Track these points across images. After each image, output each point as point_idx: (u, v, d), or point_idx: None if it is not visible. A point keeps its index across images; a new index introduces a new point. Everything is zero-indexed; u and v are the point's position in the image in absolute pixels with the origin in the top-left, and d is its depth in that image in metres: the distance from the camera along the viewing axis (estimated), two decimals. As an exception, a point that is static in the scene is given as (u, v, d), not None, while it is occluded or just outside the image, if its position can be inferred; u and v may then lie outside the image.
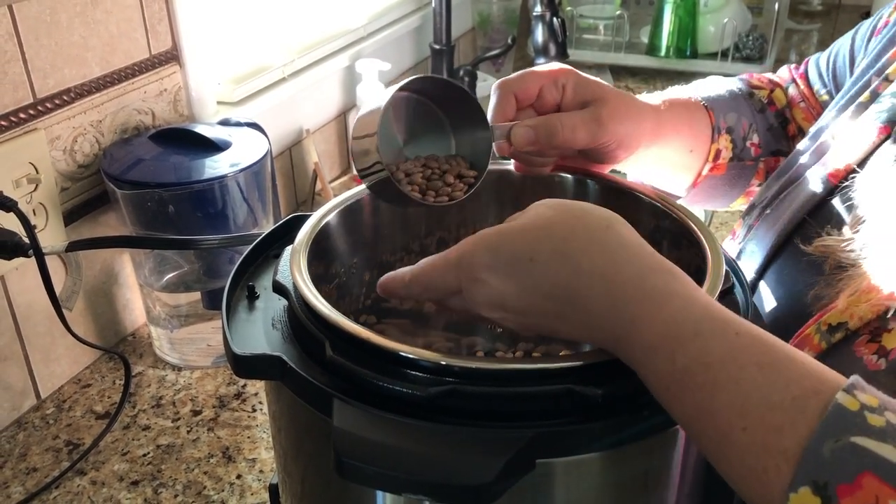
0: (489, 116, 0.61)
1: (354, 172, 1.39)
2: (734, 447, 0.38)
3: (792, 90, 0.81)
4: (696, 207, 0.85)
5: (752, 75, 0.83)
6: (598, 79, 0.65)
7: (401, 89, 0.57)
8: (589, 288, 0.43)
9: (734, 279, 0.53)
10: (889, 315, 0.49)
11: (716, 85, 0.80)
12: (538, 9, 1.50)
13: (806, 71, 0.82)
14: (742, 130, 0.77)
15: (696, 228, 0.55)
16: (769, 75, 0.84)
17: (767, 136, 0.79)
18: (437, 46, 1.51)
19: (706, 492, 0.49)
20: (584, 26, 1.94)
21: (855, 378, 0.37)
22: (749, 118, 0.78)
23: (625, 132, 0.62)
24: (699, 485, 0.49)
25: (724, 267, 0.51)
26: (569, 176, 0.64)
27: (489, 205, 0.65)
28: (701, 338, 0.40)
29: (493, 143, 0.60)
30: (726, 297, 0.52)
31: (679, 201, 0.78)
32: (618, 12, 1.89)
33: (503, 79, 0.63)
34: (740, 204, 0.82)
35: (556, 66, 0.63)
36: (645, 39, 1.90)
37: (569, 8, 1.93)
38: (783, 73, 0.83)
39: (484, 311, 0.47)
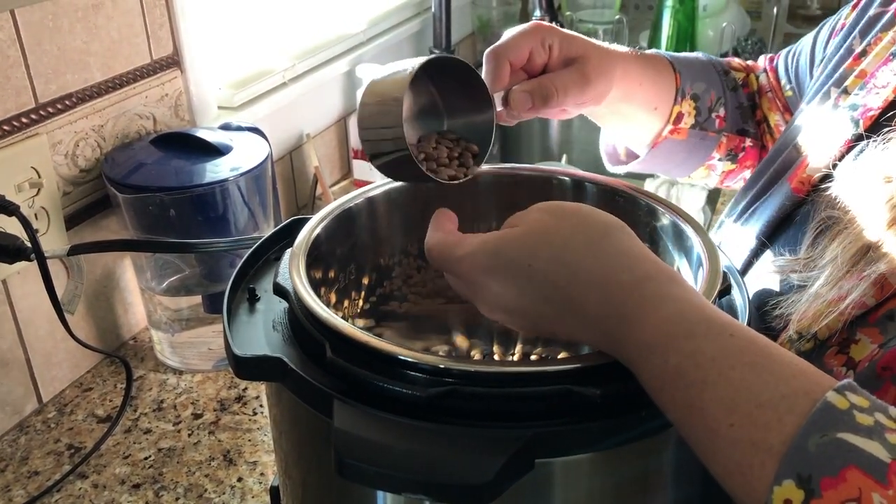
0: (486, 81, 0.62)
1: (355, 177, 1.40)
2: (721, 443, 0.38)
3: (762, 78, 0.83)
4: (657, 171, 0.87)
5: (732, 59, 0.84)
6: (574, 33, 0.67)
7: (423, 67, 0.56)
8: (586, 294, 0.44)
9: (732, 281, 0.53)
10: (855, 325, 0.49)
11: (692, 56, 0.81)
12: (537, 13, 1.50)
13: (777, 64, 0.83)
14: (709, 101, 0.78)
15: (692, 230, 0.55)
16: (748, 61, 0.85)
17: (735, 113, 0.80)
18: (436, 51, 1.52)
19: (704, 492, 0.50)
20: (583, 30, 1.94)
21: (848, 381, 0.37)
22: (719, 92, 0.79)
23: (602, 89, 0.66)
24: (697, 485, 0.49)
25: (722, 268, 0.51)
26: (567, 178, 0.64)
27: (489, 207, 0.65)
28: (695, 338, 0.40)
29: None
30: (723, 298, 0.52)
31: (638, 163, 0.80)
32: (617, 17, 1.90)
33: (494, 46, 0.64)
34: (700, 178, 0.84)
35: (536, 24, 0.65)
36: (644, 44, 1.90)
37: (568, 12, 1.94)
38: (760, 61, 0.84)
39: (485, 312, 0.47)
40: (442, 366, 0.44)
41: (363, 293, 0.65)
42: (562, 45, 0.65)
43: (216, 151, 0.91)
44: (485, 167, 0.64)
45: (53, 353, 0.90)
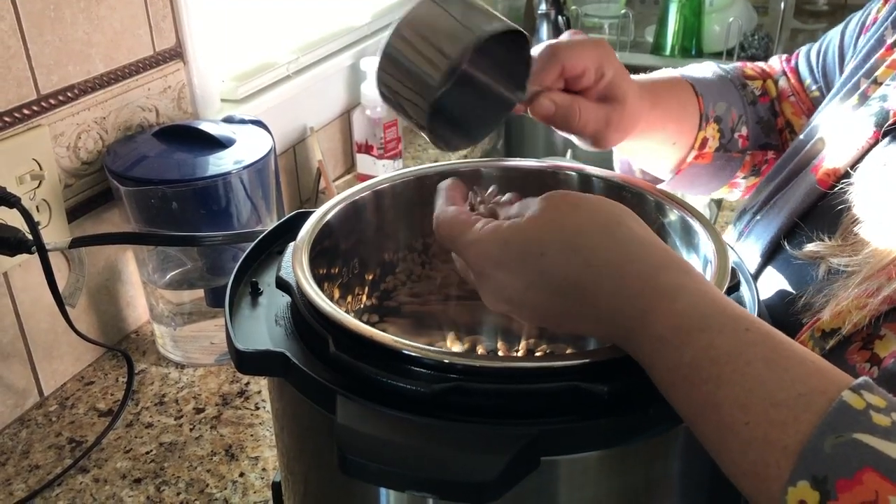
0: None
1: (358, 171, 1.39)
2: (736, 442, 0.37)
3: (782, 82, 0.81)
4: (678, 192, 0.86)
5: (745, 64, 0.83)
6: (626, 72, 0.65)
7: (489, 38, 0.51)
8: (598, 283, 0.43)
9: (741, 277, 0.53)
10: (881, 321, 0.48)
11: (709, 73, 0.80)
12: (543, 7, 1.50)
13: (796, 64, 0.81)
14: (731, 121, 0.77)
15: (701, 226, 0.55)
16: (762, 65, 0.83)
17: (756, 128, 0.78)
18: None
19: (712, 491, 0.49)
20: (588, 25, 1.94)
21: (864, 379, 0.37)
22: (739, 109, 0.77)
23: (619, 138, 0.64)
24: (705, 484, 0.48)
25: (731, 264, 0.50)
26: (573, 173, 0.64)
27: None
28: (709, 332, 0.39)
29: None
30: (731, 294, 0.51)
31: (661, 185, 0.78)
32: (623, 11, 1.89)
33: (556, 43, 0.62)
34: (723, 193, 0.82)
35: (603, 44, 0.63)
36: (650, 38, 1.89)
37: (574, 7, 1.93)
38: (774, 64, 0.83)
39: (489, 303, 0.47)
40: (446, 361, 0.43)
41: (367, 288, 0.64)
42: (611, 82, 0.63)
43: (219, 144, 0.91)
44: (491, 162, 0.64)
45: (55, 347, 0.90)
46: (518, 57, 0.58)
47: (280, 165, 1.17)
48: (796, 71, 0.81)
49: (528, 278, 0.44)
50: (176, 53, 1.01)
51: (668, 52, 1.83)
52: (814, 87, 0.78)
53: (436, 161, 1.48)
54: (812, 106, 0.78)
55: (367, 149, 1.37)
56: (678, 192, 0.86)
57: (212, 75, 1.07)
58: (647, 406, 0.42)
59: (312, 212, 0.58)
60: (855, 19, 0.75)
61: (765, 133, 0.79)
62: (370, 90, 1.33)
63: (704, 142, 0.75)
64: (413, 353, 0.44)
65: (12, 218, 0.77)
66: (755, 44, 1.83)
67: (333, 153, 1.41)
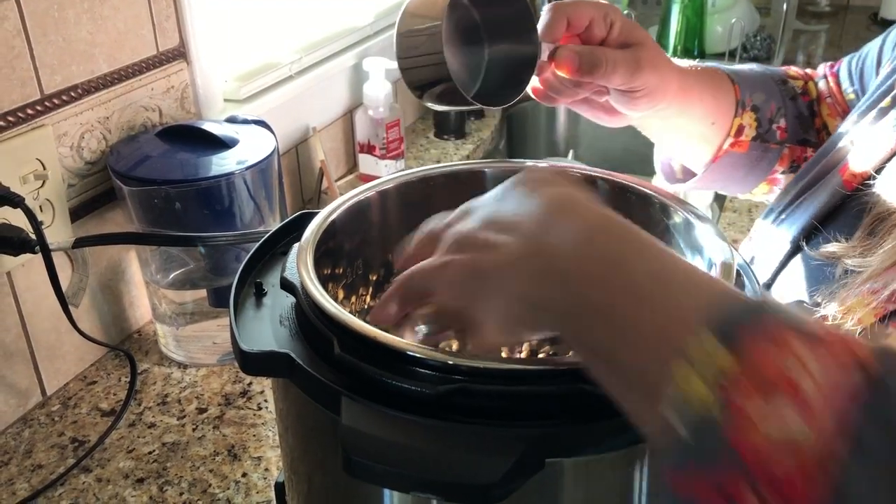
0: (539, 31, 0.62)
1: (361, 171, 1.39)
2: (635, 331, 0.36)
3: (822, 84, 0.80)
4: (716, 189, 0.85)
5: (790, 67, 0.82)
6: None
7: None
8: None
9: (745, 279, 0.52)
10: (888, 320, 0.48)
11: (748, 67, 0.80)
12: (546, 7, 1.49)
13: (838, 70, 0.81)
14: (769, 112, 0.76)
15: (705, 227, 0.55)
16: (807, 69, 0.83)
17: (795, 123, 0.78)
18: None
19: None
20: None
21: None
22: (779, 102, 0.77)
23: (656, 82, 0.65)
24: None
25: (735, 266, 0.50)
26: (578, 174, 0.63)
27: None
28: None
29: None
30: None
31: (697, 179, 0.78)
32: (625, 12, 1.89)
33: (557, 2, 0.64)
34: (762, 193, 0.81)
35: (605, 2, 0.65)
36: (652, 39, 1.89)
37: (576, 7, 1.93)
38: (819, 69, 0.83)
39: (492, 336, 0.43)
40: (451, 363, 0.43)
41: (371, 289, 0.64)
42: (623, 28, 0.64)
43: (222, 144, 0.91)
44: (494, 162, 0.64)
45: (58, 346, 0.90)
46: (521, 16, 0.60)
47: (283, 165, 1.17)
48: (836, 75, 0.80)
49: (510, 203, 0.43)
50: (179, 53, 1.01)
51: (670, 52, 1.83)
52: (850, 91, 0.78)
53: (438, 161, 1.48)
54: (847, 109, 0.78)
55: (369, 149, 1.37)
56: (713, 190, 0.86)
57: (215, 75, 1.07)
58: (651, 408, 0.42)
59: (316, 212, 0.58)
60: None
61: (803, 129, 0.78)
62: (372, 90, 1.33)
63: (741, 129, 0.74)
64: (418, 355, 0.44)
65: (16, 218, 0.77)
66: (757, 45, 1.83)
67: (336, 153, 1.41)
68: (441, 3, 0.54)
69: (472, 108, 0.57)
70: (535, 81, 0.66)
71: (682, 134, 0.74)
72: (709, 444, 0.32)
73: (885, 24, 2.15)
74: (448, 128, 1.56)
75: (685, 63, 0.72)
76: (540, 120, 1.82)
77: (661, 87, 0.66)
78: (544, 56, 0.62)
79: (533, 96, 0.67)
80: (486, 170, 0.64)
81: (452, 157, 1.51)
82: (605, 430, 0.42)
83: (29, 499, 0.76)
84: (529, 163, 0.66)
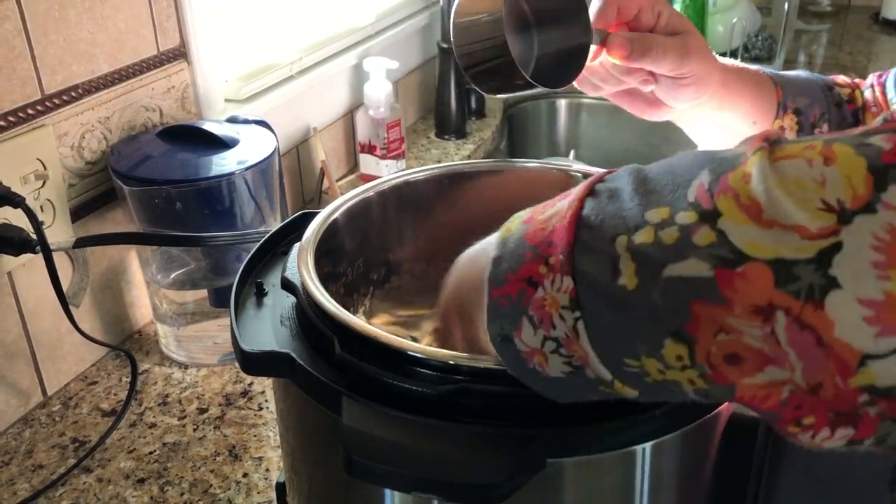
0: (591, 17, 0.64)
1: (361, 171, 1.39)
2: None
3: (867, 94, 0.80)
4: None
5: (839, 76, 0.82)
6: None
7: None
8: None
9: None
10: None
11: (796, 72, 0.80)
12: None
13: (885, 80, 0.80)
14: (812, 116, 0.76)
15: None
16: (855, 79, 0.83)
17: (839, 129, 0.77)
18: (445, 45, 1.51)
19: (716, 491, 0.49)
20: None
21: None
22: (823, 107, 0.77)
23: (702, 71, 0.67)
24: (711, 486, 0.48)
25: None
26: (579, 174, 0.63)
27: (497, 203, 0.64)
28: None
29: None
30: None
31: None
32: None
33: None
34: None
35: None
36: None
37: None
38: (868, 78, 0.82)
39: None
40: (452, 362, 0.43)
41: (371, 288, 0.64)
42: (670, 17, 0.67)
43: (223, 144, 0.91)
44: (494, 162, 0.64)
45: (58, 346, 0.90)
46: (574, 5, 0.64)
47: (283, 166, 1.17)
48: (883, 85, 0.80)
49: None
50: (180, 53, 1.01)
51: (671, 52, 1.83)
52: (895, 101, 0.77)
53: (439, 161, 1.48)
54: None
55: (370, 149, 1.37)
56: None
57: (215, 75, 1.07)
58: (653, 407, 0.42)
59: (317, 212, 0.58)
60: None
61: None
62: (373, 90, 1.33)
63: (781, 131, 0.74)
64: (419, 355, 0.44)
65: (16, 218, 0.77)
66: (759, 44, 1.83)
67: (336, 153, 1.41)
68: (499, 3, 0.58)
69: (526, 91, 0.61)
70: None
71: (722, 131, 0.75)
72: (511, 245, 0.40)
73: (886, 25, 2.15)
74: (449, 128, 1.56)
75: (727, 60, 0.73)
76: (541, 120, 1.82)
77: (707, 76, 0.67)
78: (596, 42, 0.65)
79: (575, 85, 0.68)
80: (486, 169, 0.64)
81: (453, 156, 1.51)
82: (607, 430, 0.42)
83: (30, 499, 0.76)
84: (530, 163, 0.66)
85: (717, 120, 0.72)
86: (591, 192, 0.39)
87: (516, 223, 0.41)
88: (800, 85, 0.77)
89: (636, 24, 0.66)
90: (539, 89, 0.62)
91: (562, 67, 0.64)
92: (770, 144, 0.35)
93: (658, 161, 0.39)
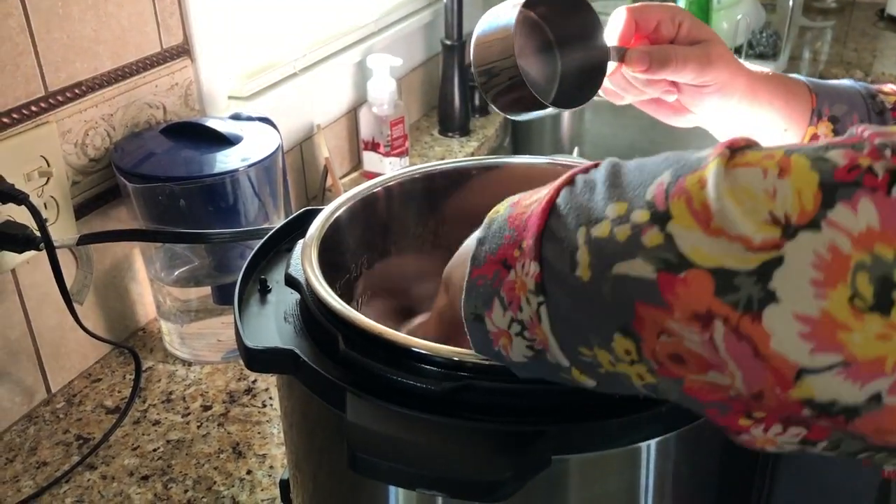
0: (608, 37, 0.65)
1: (365, 168, 1.39)
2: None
3: None
4: None
5: (886, 84, 0.80)
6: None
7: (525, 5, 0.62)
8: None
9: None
10: None
11: (837, 80, 0.78)
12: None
13: None
14: (850, 124, 0.74)
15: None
16: None
17: None
18: (448, 42, 1.51)
19: (721, 489, 0.49)
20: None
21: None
22: (863, 115, 0.75)
23: (726, 77, 0.66)
24: (717, 484, 0.48)
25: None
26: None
27: (500, 200, 0.64)
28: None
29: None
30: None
31: None
32: (630, 9, 1.88)
33: (626, 6, 0.67)
34: None
35: (671, 4, 0.68)
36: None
37: (580, 4, 1.92)
38: None
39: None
40: (456, 359, 0.43)
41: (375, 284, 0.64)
42: (691, 26, 0.67)
43: (226, 141, 0.91)
44: (497, 159, 0.64)
45: (62, 344, 0.90)
46: (580, 19, 0.66)
47: (287, 163, 1.17)
48: None
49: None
50: (183, 50, 1.01)
51: (675, 49, 1.83)
52: None
53: (442, 159, 1.48)
54: None
55: (373, 146, 1.37)
56: None
57: (219, 72, 1.07)
58: (659, 404, 0.42)
59: (320, 209, 0.58)
60: None
61: None
62: (377, 88, 1.33)
63: (815, 138, 0.73)
64: (423, 351, 0.43)
65: (20, 215, 0.77)
66: (763, 41, 1.82)
67: (340, 150, 1.41)
68: (510, 26, 0.60)
69: (549, 113, 0.63)
70: (605, 82, 0.69)
71: (755, 138, 0.74)
72: (495, 227, 0.41)
73: (891, 21, 2.15)
74: (452, 125, 1.56)
75: (757, 68, 0.72)
76: (545, 117, 1.82)
77: (731, 82, 0.67)
78: (615, 59, 0.66)
79: (604, 96, 0.69)
80: (489, 166, 0.64)
81: (457, 154, 1.51)
82: (612, 427, 0.42)
83: (34, 496, 0.76)
84: (534, 160, 0.65)
85: (745, 127, 0.71)
86: (570, 181, 0.40)
87: (505, 206, 0.42)
88: (839, 92, 0.75)
89: (656, 35, 0.66)
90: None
91: (584, 85, 0.66)
92: (731, 151, 0.35)
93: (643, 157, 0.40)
